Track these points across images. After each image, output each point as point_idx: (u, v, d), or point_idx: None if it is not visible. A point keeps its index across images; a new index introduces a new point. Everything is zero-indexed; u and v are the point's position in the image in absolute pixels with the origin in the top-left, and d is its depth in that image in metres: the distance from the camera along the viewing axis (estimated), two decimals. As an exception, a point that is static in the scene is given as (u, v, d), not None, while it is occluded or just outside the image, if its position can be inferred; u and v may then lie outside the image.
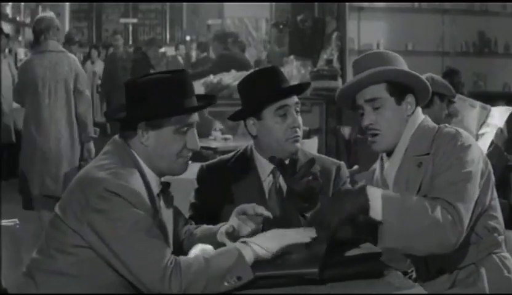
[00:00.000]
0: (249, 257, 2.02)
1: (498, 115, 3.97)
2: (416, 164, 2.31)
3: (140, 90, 2.13)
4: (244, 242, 2.07)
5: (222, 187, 2.62)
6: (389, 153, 2.40)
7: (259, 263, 2.06)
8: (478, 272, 2.30)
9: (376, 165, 2.51)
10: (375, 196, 2.11)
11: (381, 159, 2.47)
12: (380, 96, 2.34)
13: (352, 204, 2.09)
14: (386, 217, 2.08)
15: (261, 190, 2.61)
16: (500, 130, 3.97)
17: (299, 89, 2.65)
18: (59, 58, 5.03)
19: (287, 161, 2.50)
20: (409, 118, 2.37)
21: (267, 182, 2.63)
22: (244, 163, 2.66)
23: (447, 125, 2.38)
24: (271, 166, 2.62)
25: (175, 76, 2.15)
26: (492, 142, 3.94)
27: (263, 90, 2.56)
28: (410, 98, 2.35)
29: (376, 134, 2.36)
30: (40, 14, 5.49)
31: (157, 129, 2.11)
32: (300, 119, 2.61)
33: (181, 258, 1.98)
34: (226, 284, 1.94)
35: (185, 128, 2.12)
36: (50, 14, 5.37)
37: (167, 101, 2.10)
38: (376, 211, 2.09)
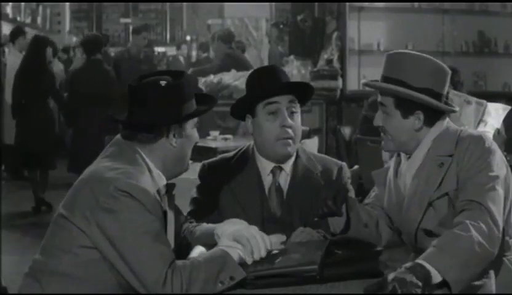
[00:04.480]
0: (236, 257, 2.05)
1: (494, 113, 3.93)
2: (437, 164, 2.33)
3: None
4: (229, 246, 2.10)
5: (224, 185, 2.62)
6: (409, 153, 2.42)
7: (259, 262, 2.07)
8: (487, 274, 2.30)
9: (391, 163, 2.52)
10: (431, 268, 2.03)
11: (398, 156, 2.48)
12: (387, 104, 2.39)
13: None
14: (448, 275, 2.01)
15: (262, 188, 2.61)
16: (498, 131, 3.95)
17: (293, 87, 2.60)
18: None
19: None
20: (430, 129, 2.38)
21: (267, 181, 2.63)
22: (245, 161, 2.66)
23: (467, 128, 2.43)
24: (271, 165, 2.62)
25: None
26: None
27: (254, 85, 2.58)
28: (419, 114, 2.36)
29: (384, 134, 2.42)
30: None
31: (183, 129, 2.19)
32: (298, 120, 2.58)
33: (180, 261, 2.00)
34: (220, 284, 1.97)
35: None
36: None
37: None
38: (436, 276, 2.01)
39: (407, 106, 2.35)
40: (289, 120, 2.55)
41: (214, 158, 2.76)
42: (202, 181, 2.68)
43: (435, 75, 2.38)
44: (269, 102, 2.54)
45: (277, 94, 2.55)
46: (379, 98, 2.42)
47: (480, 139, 2.32)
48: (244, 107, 2.61)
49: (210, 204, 2.60)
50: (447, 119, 2.43)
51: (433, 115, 2.38)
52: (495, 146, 2.32)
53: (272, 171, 2.62)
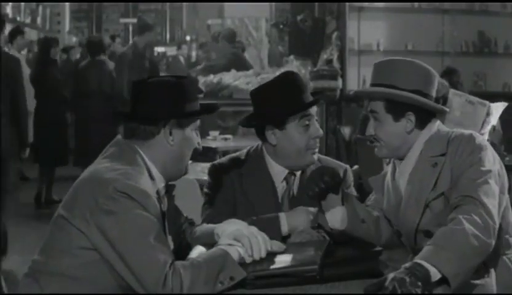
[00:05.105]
0: (236, 256, 2.05)
1: (495, 112, 3.93)
2: (431, 164, 2.34)
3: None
4: (229, 244, 2.10)
5: (236, 186, 2.62)
6: (402, 158, 2.43)
7: (259, 262, 2.07)
8: (488, 274, 2.30)
9: (388, 169, 2.53)
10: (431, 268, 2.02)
11: (394, 162, 2.49)
12: (377, 110, 2.40)
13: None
14: (445, 270, 2.00)
15: (276, 195, 2.61)
16: (493, 128, 3.93)
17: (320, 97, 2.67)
18: None
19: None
20: (421, 131, 2.39)
21: (280, 188, 2.63)
22: (256, 167, 2.64)
23: (459, 130, 2.42)
24: (285, 173, 2.62)
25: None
26: (487, 140, 3.91)
27: (288, 101, 2.54)
28: (410, 116, 2.38)
29: (377, 141, 2.43)
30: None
31: (182, 129, 2.17)
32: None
33: (179, 262, 2.00)
34: (219, 285, 1.97)
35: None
36: None
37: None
38: (435, 274, 2.01)
39: (398, 109, 2.37)
40: (321, 131, 2.59)
41: (223, 159, 2.74)
42: (213, 180, 2.65)
43: (423, 77, 2.39)
44: (304, 114, 2.56)
45: (311, 106, 2.58)
46: (369, 107, 2.43)
47: (471, 137, 2.33)
48: (275, 122, 2.57)
49: (226, 203, 2.59)
50: (438, 122, 2.44)
51: (424, 117, 2.39)
52: (486, 143, 2.33)
53: (286, 178, 2.63)
